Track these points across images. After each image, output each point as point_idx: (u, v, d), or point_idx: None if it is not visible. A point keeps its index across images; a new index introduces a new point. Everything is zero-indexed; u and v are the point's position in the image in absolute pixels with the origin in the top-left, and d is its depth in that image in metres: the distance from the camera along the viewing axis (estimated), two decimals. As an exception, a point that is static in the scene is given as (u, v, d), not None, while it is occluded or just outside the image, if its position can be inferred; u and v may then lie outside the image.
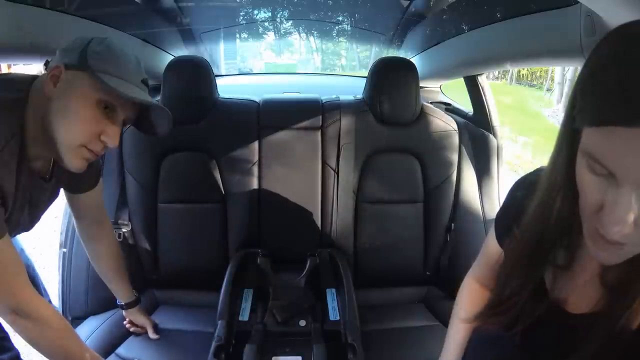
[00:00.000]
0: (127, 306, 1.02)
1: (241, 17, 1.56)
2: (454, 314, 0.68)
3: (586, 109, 0.34)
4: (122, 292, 1.01)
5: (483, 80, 1.32)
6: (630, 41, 0.33)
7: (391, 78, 1.21)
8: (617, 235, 0.35)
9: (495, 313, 0.51)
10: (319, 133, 1.27)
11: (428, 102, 1.44)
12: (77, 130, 0.64)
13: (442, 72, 1.52)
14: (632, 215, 0.33)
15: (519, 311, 0.49)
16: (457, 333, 0.66)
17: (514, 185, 0.57)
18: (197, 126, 1.21)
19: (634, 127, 0.30)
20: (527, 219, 0.48)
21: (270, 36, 2.04)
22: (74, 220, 0.97)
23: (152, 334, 1.03)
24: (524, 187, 0.54)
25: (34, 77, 0.67)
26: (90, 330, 1.04)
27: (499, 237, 0.60)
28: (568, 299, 0.48)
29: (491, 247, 0.61)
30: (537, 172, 0.54)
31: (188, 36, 1.52)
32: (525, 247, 0.49)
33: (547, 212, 0.44)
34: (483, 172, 1.26)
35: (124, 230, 1.17)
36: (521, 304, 0.48)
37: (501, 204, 1.29)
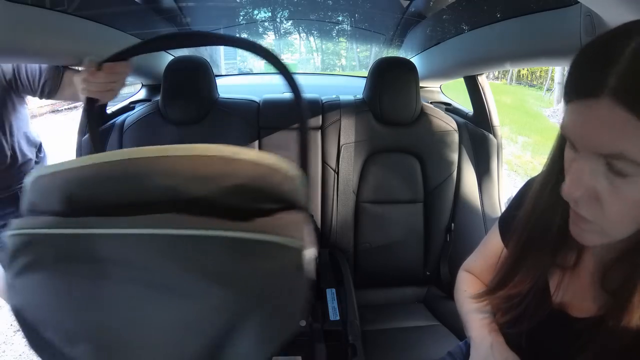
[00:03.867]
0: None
1: (241, 17, 1.56)
2: (459, 301, 0.66)
3: (563, 92, 0.38)
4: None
5: (483, 80, 1.32)
6: (608, 33, 0.35)
7: (391, 78, 1.21)
8: (583, 212, 0.38)
9: (499, 298, 0.51)
10: (319, 133, 1.27)
11: (428, 102, 1.44)
12: None
13: (442, 72, 1.51)
14: (585, 178, 0.36)
15: (523, 310, 0.48)
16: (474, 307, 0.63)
17: (522, 186, 0.58)
18: (197, 126, 1.21)
19: (584, 100, 0.34)
20: (524, 208, 0.49)
21: (270, 36, 2.04)
22: None
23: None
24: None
25: None
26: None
27: (503, 235, 0.60)
28: (572, 303, 0.48)
29: (493, 244, 0.61)
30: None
31: (188, 36, 1.52)
32: (526, 238, 0.49)
33: (542, 201, 0.46)
34: (483, 171, 1.26)
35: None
36: (524, 303, 0.48)
37: (501, 203, 1.29)
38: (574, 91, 0.35)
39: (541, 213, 0.46)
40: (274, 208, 0.37)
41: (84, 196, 0.37)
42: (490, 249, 0.62)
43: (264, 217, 0.36)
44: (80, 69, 0.97)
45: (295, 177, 0.38)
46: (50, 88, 0.92)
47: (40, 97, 0.94)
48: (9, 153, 1.05)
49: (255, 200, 0.37)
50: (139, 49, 0.66)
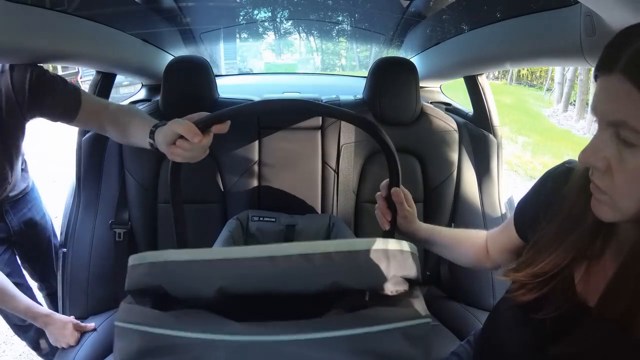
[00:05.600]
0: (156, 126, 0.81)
1: (241, 17, 1.56)
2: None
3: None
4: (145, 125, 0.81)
5: (483, 80, 1.32)
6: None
7: (391, 78, 1.21)
8: (597, 181, 0.41)
9: (525, 275, 0.51)
10: (319, 133, 1.27)
11: (428, 102, 1.44)
12: None
13: (442, 72, 1.51)
14: (598, 146, 0.40)
15: (548, 292, 0.48)
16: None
17: (542, 177, 0.58)
18: None
19: (601, 75, 0.39)
20: (566, 189, 0.50)
21: (270, 36, 2.04)
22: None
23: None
24: (553, 178, 0.55)
25: None
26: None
27: (519, 226, 0.60)
28: (594, 297, 0.47)
29: (508, 232, 0.62)
30: (566, 163, 0.54)
31: (188, 36, 1.52)
32: (560, 222, 0.49)
33: (580, 188, 0.47)
34: (483, 171, 1.26)
35: (123, 230, 1.16)
36: (550, 285, 0.48)
37: (501, 203, 1.28)
38: (596, 68, 0.40)
39: (579, 199, 0.47)
40: (412, 287, 0.45)
41: (239, 289, 0.39)
42: (506, 235, 0.63)
43: (410, 297, 0.44)
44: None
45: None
46: (66, 117, 0.87)
47: (56, 122, 0.90)
48: (11, 181, 1.04)
49: (402, 283, 0.44)
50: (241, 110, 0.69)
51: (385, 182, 0.69)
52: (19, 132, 0.94)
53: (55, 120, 0.89)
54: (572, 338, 0.45)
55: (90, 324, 1.03)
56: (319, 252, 0.39)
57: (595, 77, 0.41)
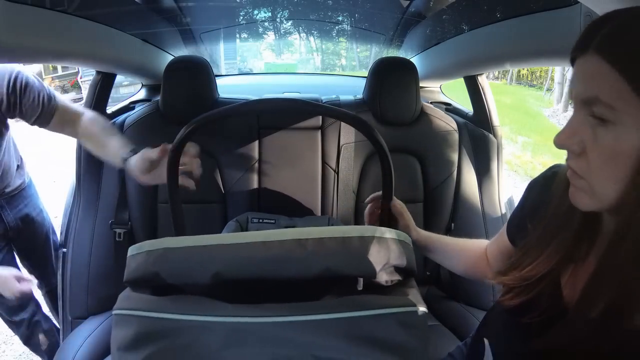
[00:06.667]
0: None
1: (241, 17, 1.56)
2: None
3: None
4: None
5: (483, 80, 1.32)
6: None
7: (391, 78, 1.21)
8: (573, 164, 0.41)
9: (512, 279, 0.50)
10: (318, 133, 1.27)
11: (428, 102, 1.44)
12: None
13: (442, 72, 1.51)
14: (573, 126, 0.40)
15: (535, 297, 0.48)
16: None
17: (529, 184, 0.58)
18: None
19: (577, 57, 0.40)
20: (551, 194, 0.50)
21: (270, 36, 2.04)
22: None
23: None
24: (540, 182, 0.56)
25: None
26: (90, 330, 1.03)
27: (510, 234, 0.61)
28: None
29: (502, 238, 0.63)
30: (552, 169, 0.55)
31: (188, 36, 1.52)
32: (547, 225, 0.49)
33: (564, 189, 0.46)
34: (483, 171, 1.26)
35: (123, 230, 1.16)
36: (537, 289, 0.47)
37: (501, 203, 1.28)
38: (573, 50, 0.41)
39: (563, 199, 0.46)
40: (407, 277, 0.45)
41: (234, 274, 0.39)
42: (501, 243, 0.64)
43: (404, 287, 0.44)
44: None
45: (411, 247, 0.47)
46: (41, 121, 0.93)
47: (32, 125, 0.95)
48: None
49: (395, 273, 0.44)
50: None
51: (377, 194, 0.71)
52: (1, 126, 0.99)
53: (31, 123, 0.94)
54: (553, 335, 0.45)
55: (28, 277, 1.03)
56: (311, 237, 0.39)
57: (573, 61, 0.41)
